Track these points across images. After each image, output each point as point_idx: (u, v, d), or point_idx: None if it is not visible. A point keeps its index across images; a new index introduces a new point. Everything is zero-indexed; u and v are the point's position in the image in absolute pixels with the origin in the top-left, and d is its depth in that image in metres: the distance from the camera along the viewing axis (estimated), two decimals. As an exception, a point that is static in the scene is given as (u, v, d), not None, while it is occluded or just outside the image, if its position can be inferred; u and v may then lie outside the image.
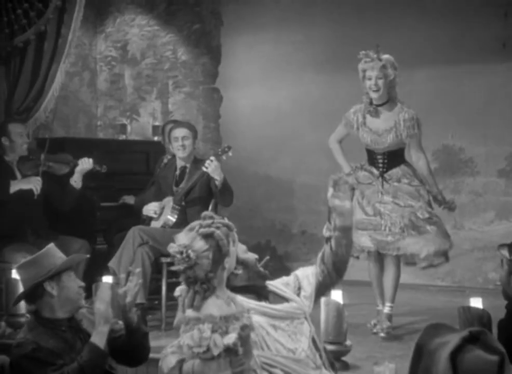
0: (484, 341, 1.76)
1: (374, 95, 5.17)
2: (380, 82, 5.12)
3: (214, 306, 2.84)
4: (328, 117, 7.55)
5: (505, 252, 3.28)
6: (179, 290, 2.97)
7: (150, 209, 5.75)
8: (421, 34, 7.04)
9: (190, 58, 8.36)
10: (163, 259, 5.45)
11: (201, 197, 5.64)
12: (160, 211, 5.71)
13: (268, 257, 3.54)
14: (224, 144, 6.25)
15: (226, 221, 2.98)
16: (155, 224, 5.71)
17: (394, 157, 5.25)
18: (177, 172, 5.80)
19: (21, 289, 4.94)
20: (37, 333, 3.43)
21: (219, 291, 2.91)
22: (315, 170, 7.76)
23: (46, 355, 3.33)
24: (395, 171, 5.24)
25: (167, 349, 2.95)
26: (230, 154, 5.54)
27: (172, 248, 2.88)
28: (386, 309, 5.19)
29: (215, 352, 2.71)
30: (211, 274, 2.86)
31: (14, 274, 5.01)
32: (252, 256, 3.26)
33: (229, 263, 2.96)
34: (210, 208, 5.62)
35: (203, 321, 2.77)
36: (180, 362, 2.85)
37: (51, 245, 3.69)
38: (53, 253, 3.62)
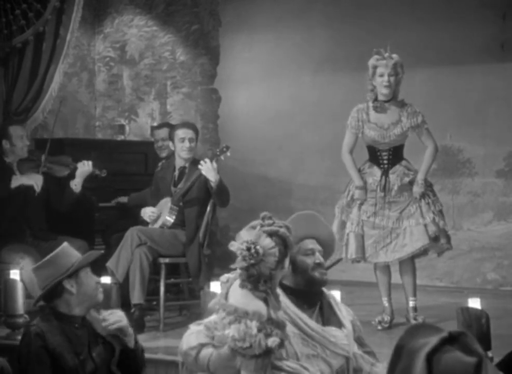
0: (463, 342, 1.72)
1: (385, 91, 5.32)
2: (392, 79, 5.30)
3: (269, 305, 2.82)
4: (327, 117, 7.58)
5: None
6: (226, 277, 2.94)
7: (146, 212, 5.74)
8: (419, 35, 7.05)
9: (189, 58, 8.36)
10: (161, 260, 5.45)
11: (199, 198, 5.64)
12: (156, 217, 5.70)
13: (341, 259, 3.51)
14: (222, 145, 6.25)
15: (285, 222, 2.96)
16: (153, 225, 5.71)
17: (397, 153, 5.40)
18: (176, 172, 5.80)
19: (20, 289, 4.98)
20: (49, 325, 3.48)
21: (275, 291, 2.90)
22: (313, 171, 7.76)
23: (46, 360, 3.42)
24: (398, 168, 5.37)
25: (192, 326, 2.94)
26: (228, 154, 5.55)
27: (235, 245, 2.84)
28: (411, 303, 5.38)
29: (257, 351, 2.71)
30: (274, 271, 2.82)
31: (13, 275, 5.02)
32: (309, 260, 3.23)
33: (286, 262, 2.93)
34: (208, 208, 5.62)
35: (251, 318, 2.75)
36: (202, 345, 2.84)
37: (65, 244, 3.72)
38: (69, 251, 3.67)
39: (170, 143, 5.81)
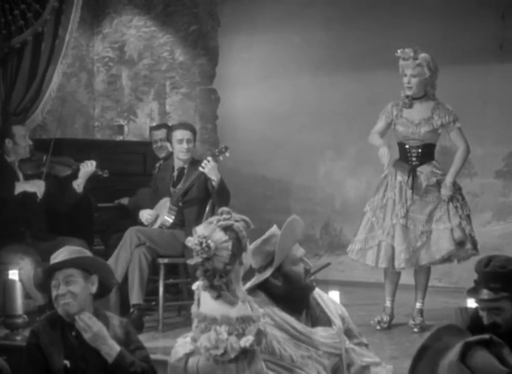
0: (500, 352, 1.75)
1: (407, 92, 5.34)
2: (414, 80, 5.29)
3: (231, 304, 2.80)
4: (326, 118, 7.59)
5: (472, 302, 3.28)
6: (196, 285, 2.93)
7: (144, 215, 5.72)
8: (418, 35, 7.03)
9: (188, 59, 8.36)
10: (160, 260, 5.45)
11: (198, 198, 5.64)
12: (153, 220, 5.69)
13: (329, 263, 3.54)
14: (221, 145, 6.25)
15: (243, 216, 2.95)
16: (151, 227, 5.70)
17: (427, 152, 5.36)
18: (175, 173, 5.80)
19: (19, 290, 4.99)
20: (49, 323, 3.52)
21: (237, 288, 2.87)
22: (312, 171, 7.76)
23: (37, 358, 3.45)
24: (427, 168, 5.33)
25: (179, 339, 2.94)
26: (227, 154, 5.55)
27: (191, 240, 2.83)
28: (418, 305, 5.35)
29: (232, 355, 2.69)
30: (228, 266, 2.81)
31: (12, 275, 5.02)
32: (299, 269, 3.24)
33: (246, 258, 2.92)
34: (207, 208, 5.62)
35: (220, 322, 2.74)
36: (188, 355, 2.84)
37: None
38: None
39: (168, 144, 5.81)
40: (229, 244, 2.82)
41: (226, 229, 2.84)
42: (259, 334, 2.76)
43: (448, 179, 5.28)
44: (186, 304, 5.90)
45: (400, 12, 7.22)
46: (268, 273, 3.22)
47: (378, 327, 5.30)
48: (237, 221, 2.88)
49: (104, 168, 5.89)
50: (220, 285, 2.80)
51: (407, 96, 5.37)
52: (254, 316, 2.81)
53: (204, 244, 2.78)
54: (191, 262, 2.84)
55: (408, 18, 7.15)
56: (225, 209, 2.92)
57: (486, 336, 1.77)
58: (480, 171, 7.12)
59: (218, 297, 2.80)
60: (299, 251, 3.29)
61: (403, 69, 5.34)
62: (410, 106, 5.35)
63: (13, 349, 4.65)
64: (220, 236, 2.82)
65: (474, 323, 3.44)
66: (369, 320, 5.36)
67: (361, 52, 7.34)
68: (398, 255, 5.25)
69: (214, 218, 2.88)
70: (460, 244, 5.25)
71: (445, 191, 5.26)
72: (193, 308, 2.89)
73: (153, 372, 3.57)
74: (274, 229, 3.33)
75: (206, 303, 2.84)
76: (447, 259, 5.37)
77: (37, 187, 5.69)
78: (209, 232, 2.82)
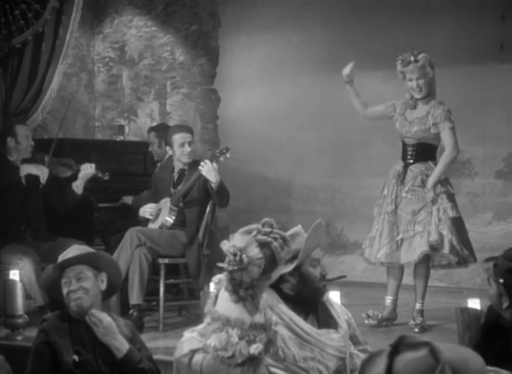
0: (407, 343, 1.71)
1: (417, 95, 5.38)
2: (421, 82, 5.34)
3: (246, 310, 2.79)
4: (326, 118, 7.59)
5: (490, 272, 3.26)
6: (218, 278, 2.88)
7: (146, 210, 5.74)
8: (418, 36, 7.04)
9: (188, 59, 8.36)
10: (161, 261, 5.45)
11: (198, 198, 5.64)
12: (156, 213, 5.71)
13: (344, 276, 3.59)
14: (222, 145, 6.24)
15: (283, 233, 2.87)
16: (152, 225, 5.71)
17: (422, 151, 5.39)
18: (175, 174, 5.79)
19: (19, 290, 4.99)
20: (57, 320, 3.53)
21: (260, 300, 2.85)
22: (312, 171, 7.76)
23: (45, 356, 3.45)
24: (419, 166, 5.35)
25: (186, 333, 2.93)
26: (228, 155, 5.54)
27: (226, 246, 2.80)
28: (418, 305, 5.34)
29: (239, 359, 2.69)
30: (256, 281, 2.76)
31: (12, 275, 5.02)
32: (316, 273, 3.26)
33: (275, 273, 2.88)
34: (208, 209, 5.62)
35: (233, 325, 2.73)
36: (193, 351, 2.83)
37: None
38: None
39: (168, 148, 5.76)
40: (262, 262, 2.75)
41: (263, 245, 2.78)
42: (269, 344, 2.77)
43: (430, 182, 5.28)
44: (187, 304, 5.92)
45: (399, 13, 7.22)
46: (287, 269, 3.23)
47: (366, 321, 5.29)
48: (275, 238, 2.81)
49: (105, 169, 5.89)
50: (245, 297, 2.78)
51: (411, 98, 5.41)
52: (267, 325, 2.80)
53: (238, 257, 2.74)
54: (220, 264, 2.81)
55: (407, 19, 7.15)
56: (267, 220, 2.83)
57: (387, 349, 1.71)
58: (480, 171, 7.13)
59: (238, 301, 2.78)
60: (317, 254, 3.31)
61: (404, 75, 5.37)
62: (415, 107, 5.41)
63: (13, 349, 4.65)
64: (256, 252, 2.76)
65: (475, 324, 3.45)
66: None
67: (361, 53, 7.33)
68: (380, 249, 5.32)
69: (254, 228, 2.80)
70: (434, 248, 5.24)
71: (427, 193, 5.28)
72: (209, 304, 2.87)
73: (157, 371, 3.58)
74: (298, 228, 3.35)
75: (223, 302, 2.82)
76: (447, 264, 5.39)
77: (41, 171, 5.72)
78: (245, 244, 2.76)
